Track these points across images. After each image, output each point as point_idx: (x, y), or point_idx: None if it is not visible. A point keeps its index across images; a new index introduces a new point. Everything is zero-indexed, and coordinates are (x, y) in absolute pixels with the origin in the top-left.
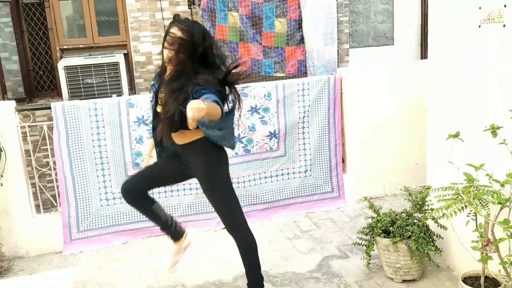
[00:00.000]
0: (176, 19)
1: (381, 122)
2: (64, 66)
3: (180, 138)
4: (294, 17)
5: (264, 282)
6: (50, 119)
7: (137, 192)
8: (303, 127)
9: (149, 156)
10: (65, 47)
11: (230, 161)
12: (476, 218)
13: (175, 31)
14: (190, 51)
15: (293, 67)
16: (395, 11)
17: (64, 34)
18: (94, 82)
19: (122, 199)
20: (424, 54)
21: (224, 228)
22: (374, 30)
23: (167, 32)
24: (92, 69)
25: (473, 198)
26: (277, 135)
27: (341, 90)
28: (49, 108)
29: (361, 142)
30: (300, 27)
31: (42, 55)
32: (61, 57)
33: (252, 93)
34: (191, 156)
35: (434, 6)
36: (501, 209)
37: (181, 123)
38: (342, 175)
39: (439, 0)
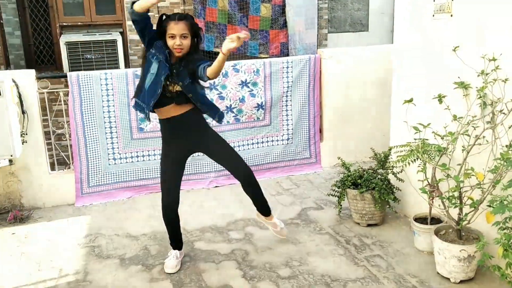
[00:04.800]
0: (184, 15)
1: (355, 98)
2: (66, 42)
3: (179, 109)
4: (278, 2)
5: (252, 227)
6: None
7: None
8: (287, 100)
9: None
10: (64, 24)
11: (223, 128)
12: (425, 167)
13: (193, 23)
14: (198, 39)
15: (276, 49)
16: (371, 0)
17: (63, 11)
18: (93, 57)
19: (128, 158)
20: None
21: (216, 186)
22: (350, 17)
23: (192, 24)
24: (92, 45)
25: (421, 150)
26: (263, 107)
27: (320, 68)
28: (62, 77)
29: (337, 115)
30: (283, 12)
31: (42, 31)
32: (61, 34)
33: (242, 69)
34: (195, 121)
35: None
36: (440, 156)
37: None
38: (319, 143)
39: None
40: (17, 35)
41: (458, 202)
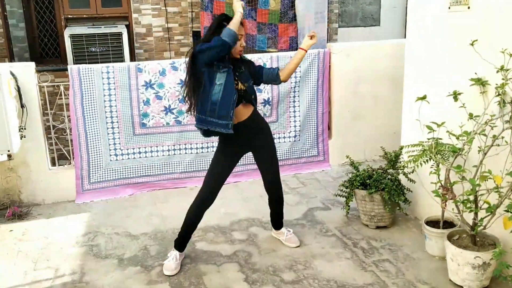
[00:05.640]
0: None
1: (366, 94)
2: (70, 35)
3: (247, 111)
4: None
5: (257, 227)
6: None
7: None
8: (294, 96)
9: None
10: (69, 16)
11: None
12: (438, 168)
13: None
14: None
15: (285, 43)
16: None
17: (68, 4)
18: (98, 50)
19: (129, 154)
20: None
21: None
22: (362, 11)
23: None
24: (97, 38)
25: (435, 150)
26: (270, 103)
27: (329, 63)
28: (65, 70)
29: (346, 111)
30: (293, 5)
31: (47, 24)
32: (66, 26)
33: None
34: (259, 124)
35: None
36: (455, 157)
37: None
38: (327, 141)
39: None
40: (21, 27)
41: (474, 206)
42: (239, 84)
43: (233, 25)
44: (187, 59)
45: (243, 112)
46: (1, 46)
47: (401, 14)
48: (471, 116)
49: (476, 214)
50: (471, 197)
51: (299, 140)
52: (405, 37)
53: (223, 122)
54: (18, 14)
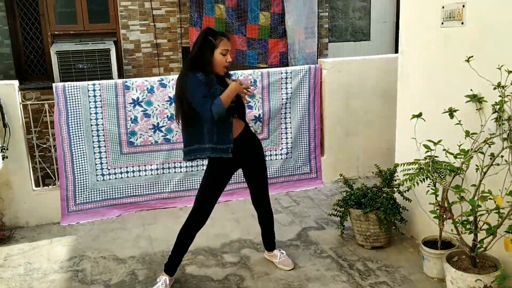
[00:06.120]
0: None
1: (358, 110)
2: (57, 51)
3: (240, 125)
4: (277, 11)
5: (249, 249)
6: (40, 100)
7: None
8: (285, 113)
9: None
10: (56, 33)
11: None
12: (435, 187)
13: None
14: None
15: (275, 58)
16: (372, 8)
17: (55, 20)
18: (85, 67)
19: (117, 174)
20: (398, 50)
21: None
22: (352, 26)
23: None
24: (84, 54)
25: (432, 169)
26: (261, 119)
27: (321, 79)
28: (51, 88)
29: (338, 127)
30: (283, 20)
31: (33, 40)
32: (52, 43)
33: (239, 79)
34: (251, 141)
35: (404, 6)
36: (453, 176)
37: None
38: (320, 157)
39: (409, 0)
40: (6, 44)
41: (473, 227)
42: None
43: (225, 97)
44: (176, 87)
45: (236, 127)
46: None
47: (391, 29)
48: (467, 133)
49: (476, 235)
50: (471, 218)
51: (291, 157)
52: (395, 52)
53: (223, 147)
54: (3, 30)
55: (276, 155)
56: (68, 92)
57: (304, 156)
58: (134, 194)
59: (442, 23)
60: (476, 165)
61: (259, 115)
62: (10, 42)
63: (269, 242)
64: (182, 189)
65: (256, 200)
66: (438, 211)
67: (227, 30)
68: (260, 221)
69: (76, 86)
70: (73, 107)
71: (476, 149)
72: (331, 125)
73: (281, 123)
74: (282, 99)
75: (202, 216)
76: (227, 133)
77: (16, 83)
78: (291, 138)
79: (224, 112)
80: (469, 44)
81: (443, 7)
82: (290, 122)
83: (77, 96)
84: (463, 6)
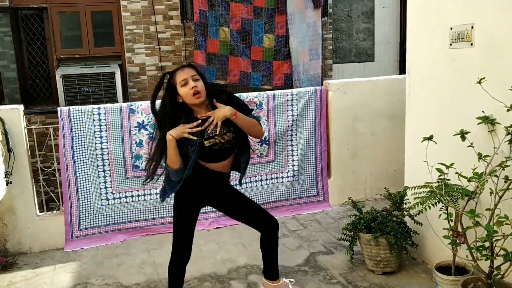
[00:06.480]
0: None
1: (364, 131)
2: (62, 75)
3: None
4: (281, 33)
5: (256, 275)
6: (45, 124)
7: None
8: (291, 135)
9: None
10: (61, 56)
11: None
12: (447, 211)
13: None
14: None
15: (280, 80)
16: (376, 30)
17: (61, 44)
18: (90, 90)
19: (122, 198)
20: (402, 70)
21: (217, 227)
22: (356, 47)
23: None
24: (89, 78)
25: (444, 193)
26: (267, 142)
27: (326, 101)
28: (56, 112)
29: (345, 149)
30: (287, 42)
31: (39, 64)
32: (58, 66)
33: (245, 102)
34: (227, 180)
35: (411, 27)
36: (467, 201)
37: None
38: (327, 180)
39: (416, 21)
40: (12, 68)
41: (489, 253)
42: (216, 138)
43: (169, 159)
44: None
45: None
46: None
47: (395, 50)
48: (480, 156)
49: (492, 261)
50: (487, 244)
51: (298, 179)
52: (400, 72)
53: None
54: (9, 55)
55: (282, 177)
56: (73, 116)
57: (310, 178)
58: (139, 218)
59: (451, 44)
60: (490, 189)
61: (265, 137)
62: (16, 67)
63: (273, 271)
64: None
65: (256, 225)
66: (451, 236)
67: (231, 53)
68: (265, 240)
69: (81, 110)
70: (78, 131)
71: (490, 173)
72: (337, 147)
73: (287, 146)
74: (288, 121)
75: (182, 253)
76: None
77: (21, 107)
78: (297, 160)
79: (175, 172)
80: (478, 65)
81: (451, 28)
82: (296, 144)
83: (82, 120)
84: (472, 27)
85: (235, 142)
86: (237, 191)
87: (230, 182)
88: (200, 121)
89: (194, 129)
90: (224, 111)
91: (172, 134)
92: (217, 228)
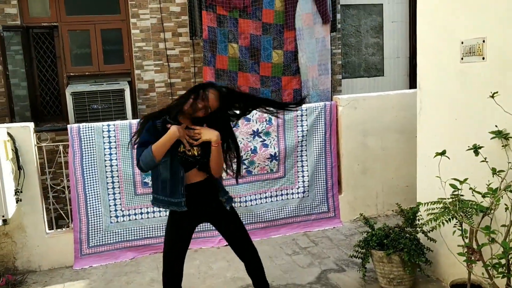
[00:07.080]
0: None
1: (375, 146)
2: (72, 92)
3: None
4: (290, 48)
5: None
6: (55, 141)
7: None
8: (301, 150)
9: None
10: (71, 74)
11: (233, 181)
12: (461, 227)
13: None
14: None
15: (289, 96)
16: (385, 44)
17: (71, 62)
18: (100, 107)
19: (131, 216)
20: (412, 84)
21: (226, 245)
22: (365, 62)
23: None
24: (98, 95)
25: (458, 209)
26: (277, 158)
27: (336, 116)
28: (66, 129)
29: (356, 164)
30: (296, 58)
31: (49, 82)
32: (68, 84)
33: (254, 118)
34: (209, 192)
35: (421, 41)
36: (482, 217)
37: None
38: (337, 196)
39: (426, 35)
40: (23, 86)
41: (506, 270)
42: (193, 149)
43: (158, 146)
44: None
45: (192, 179)
46: (2, 105)
47: (404, 64)
48: (494, 171)
49: (509, 279)
50: (503, 261)
51: (308, 196)
52: (410, 87)
53: (175, 201)
54: (20, 73)
55: (292, 194)
56: (83, 133)
57: (321, 194)
58: (148, 236)
59: (462, 59)
60: (505, 204)
61: (275, 153)
62: (27, 84)
63: None
64: (196, 230)
65: (240, 252)
66: (466, 253)
67: (240, 69)
68: (251, 271)
69: (91, 127)
70: (87, 148)
71: (505, 188)
72: (348, 162)
73: (297, 161)
74: (298, 136)
75: (172, 273)
76: (177, 186)
77: (31, 125)
78: (307, 176)
79: (153, 163)
80: (490, 79)
81: (462, 43)
82: (307, 160)
83: (92, 137)
84: (484, 41)
85: (196, 161)
86: (227, 213)
87: (219, 197)
88: (196, 129)
89: (190, 140)
90: (212, 134)
91: (179, 130)
92: (226, 245)
